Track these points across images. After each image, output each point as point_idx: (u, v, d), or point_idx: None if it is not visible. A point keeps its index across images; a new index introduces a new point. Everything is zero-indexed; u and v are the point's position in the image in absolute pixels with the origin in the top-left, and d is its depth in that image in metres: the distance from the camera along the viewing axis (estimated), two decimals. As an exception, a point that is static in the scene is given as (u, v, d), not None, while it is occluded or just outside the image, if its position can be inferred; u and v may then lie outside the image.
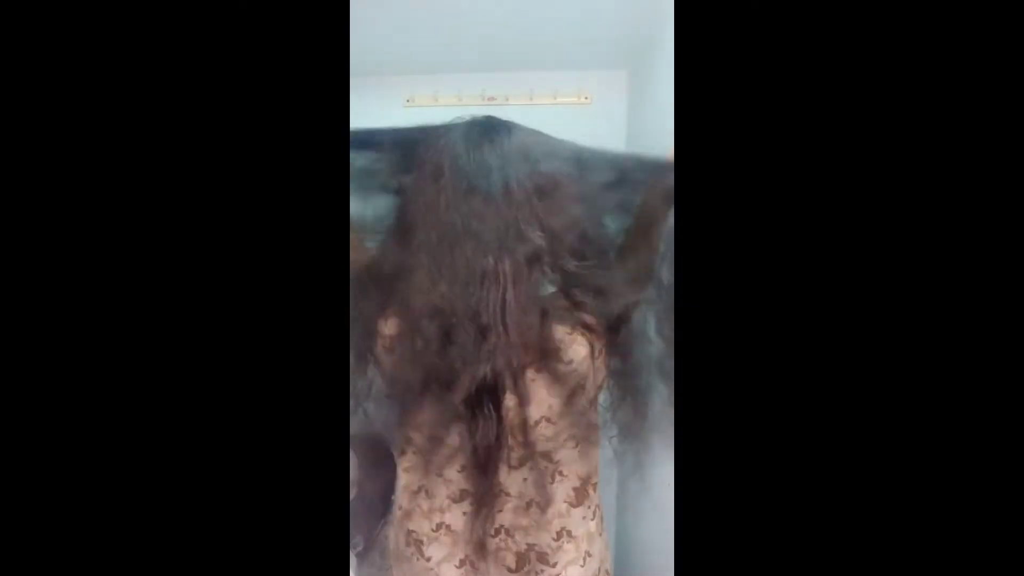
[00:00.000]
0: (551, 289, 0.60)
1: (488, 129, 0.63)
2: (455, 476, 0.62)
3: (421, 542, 0.65)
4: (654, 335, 0.65)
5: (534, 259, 0.57)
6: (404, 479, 0.67)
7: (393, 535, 0.70)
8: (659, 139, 0.94)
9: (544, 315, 0.57)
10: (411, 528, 0.66)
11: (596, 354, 0.61)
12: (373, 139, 0.68)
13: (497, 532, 0.63)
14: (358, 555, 1.01)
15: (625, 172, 0.65)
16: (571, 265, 0.58)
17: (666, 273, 0.64)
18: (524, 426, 0.59)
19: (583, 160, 0.63)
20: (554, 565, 0.64)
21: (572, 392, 0.60)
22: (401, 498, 0.68)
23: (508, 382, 0.56)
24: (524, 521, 0.62)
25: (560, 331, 0.59)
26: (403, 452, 0.66)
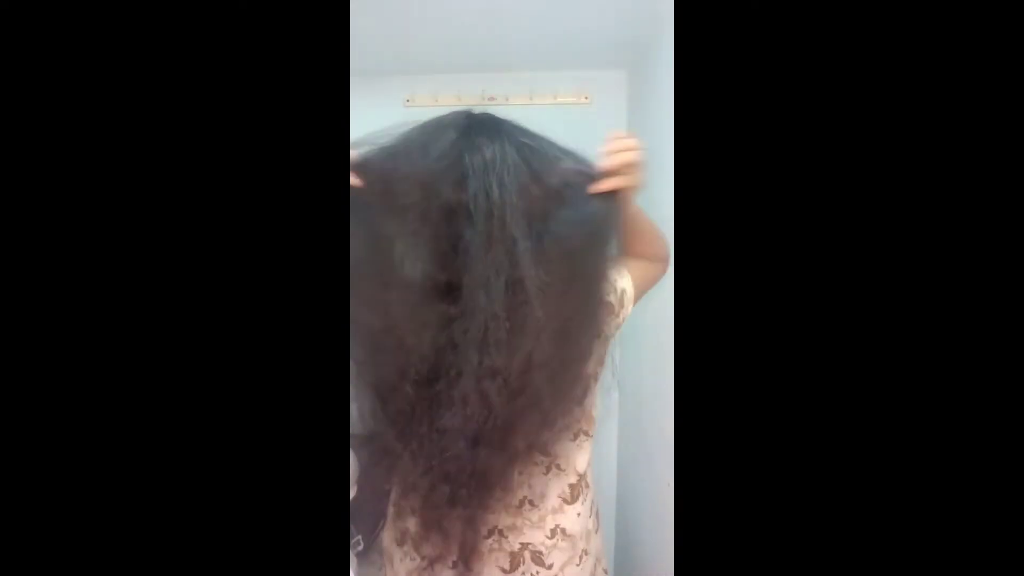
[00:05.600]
0: None
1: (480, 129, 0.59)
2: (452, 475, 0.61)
3: (415, 541, 0.64)
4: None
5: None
6: (396, 476, 0.66)
7: (387, 533, 0.70)
8: (659, 139, 0.94)
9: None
10: (404, 527, 0.65)
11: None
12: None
13: (490, 533, 0.62)
14: (358, 555, 1.01)
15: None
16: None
17: None
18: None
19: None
20: (550, 567, 0.63)
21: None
22: (393, 494, 0.67)
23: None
24: (517, 520, 0.61)
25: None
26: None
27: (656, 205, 0.85)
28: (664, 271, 0.76)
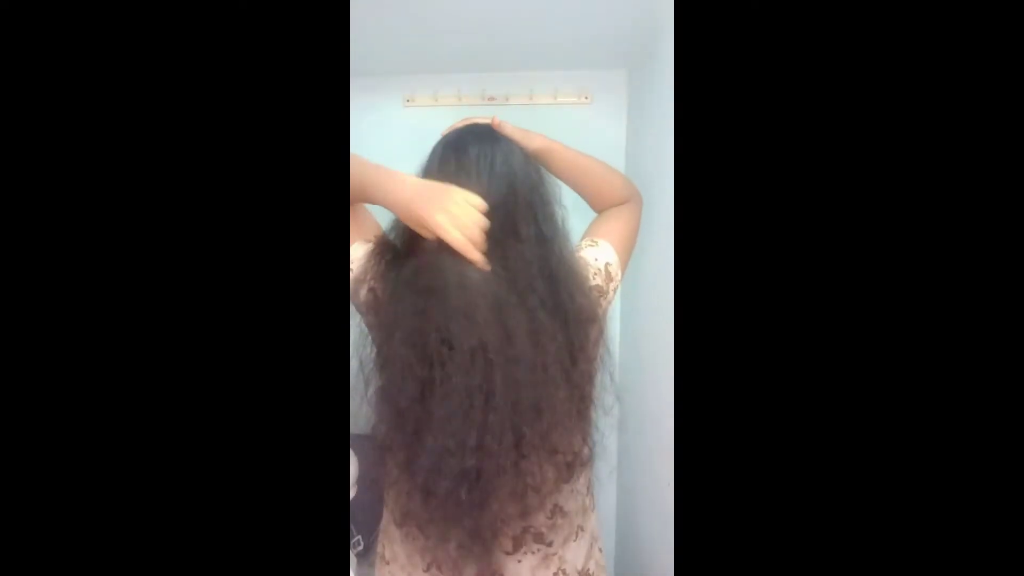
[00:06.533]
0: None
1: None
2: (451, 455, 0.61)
3: (418, 522, 0.64)
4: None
5: None
6: (392, 454, 0.66)
7: (385, 513, 0.70)
8: (659, 139, 0.94)
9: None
10: (405, 508, 0.65)
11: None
12: None
13: (492, 514, 0.62)
14: (358, 555, 1.01)
15: None
16: None
17: None
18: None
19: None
20: (550, 544, 0.64)
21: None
22: (391, 472, 0.67)
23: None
24: (519, 507, 0.62)
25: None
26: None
27: (657, 205, 0.85)
28: (638, 213, 0.77)
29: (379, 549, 0.71)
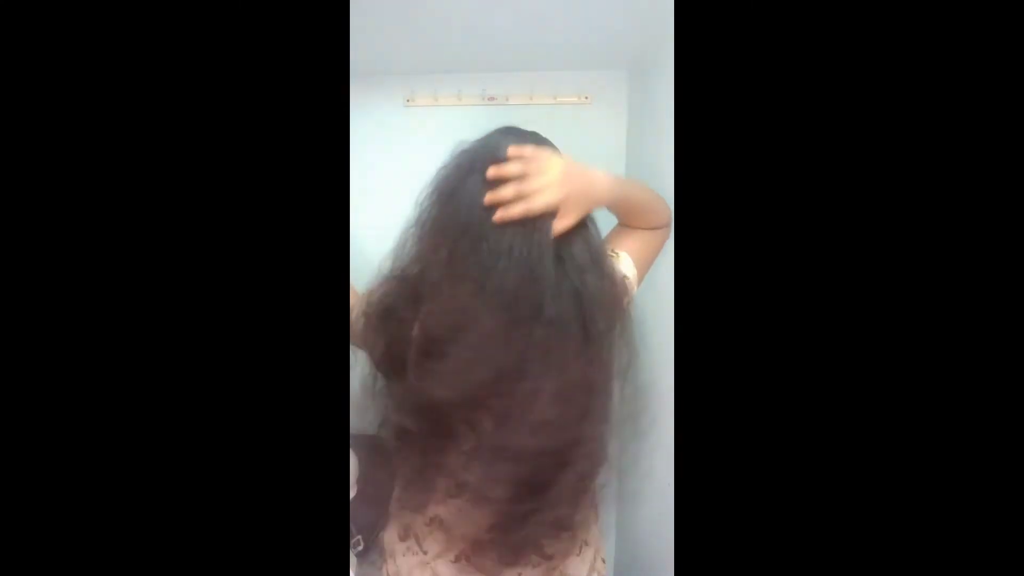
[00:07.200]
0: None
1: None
2: (454, 468, 0.61)
3: (418, 536, 0.64)
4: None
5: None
6: (398, 471, 0.66)
7: (389, 529, 0.70)
8: (659, 139, 0.94)
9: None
10: (407, 522, 0.65)
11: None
12: None
13: (492, 528, 0.62)
14: (358, 555, 1.00)
15: None
16: None
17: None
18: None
19: None
20: (551, 557, 0.63)
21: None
22: (396, 490, 0.67)
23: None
24: (519, 515, 0.61)
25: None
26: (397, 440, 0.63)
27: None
28: (667, 238, 0.74)
29: (382, 567, 0.71)
